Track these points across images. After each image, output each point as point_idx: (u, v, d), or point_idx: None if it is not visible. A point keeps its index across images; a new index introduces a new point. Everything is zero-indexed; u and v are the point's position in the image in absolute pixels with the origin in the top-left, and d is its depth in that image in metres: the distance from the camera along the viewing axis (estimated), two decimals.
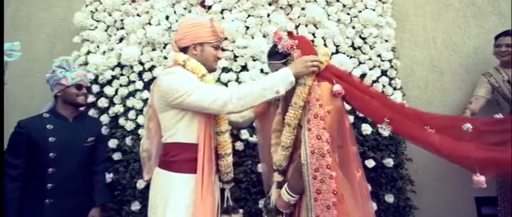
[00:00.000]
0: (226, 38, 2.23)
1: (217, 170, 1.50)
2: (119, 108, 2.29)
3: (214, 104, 1.30)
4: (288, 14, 2.32)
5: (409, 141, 1.50)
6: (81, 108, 1.99)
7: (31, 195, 1.73)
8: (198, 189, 1.31)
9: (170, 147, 1.40)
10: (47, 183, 1.73)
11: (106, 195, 1.99)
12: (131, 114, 2.27)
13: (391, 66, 2.27)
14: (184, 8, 2.40)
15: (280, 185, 1.44)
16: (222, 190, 1.54)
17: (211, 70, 1.51)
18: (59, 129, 1.80)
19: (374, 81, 2.24)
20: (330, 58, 1.47)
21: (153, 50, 2.37)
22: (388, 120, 1.35)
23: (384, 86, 2.24)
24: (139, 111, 2.27)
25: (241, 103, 1.30)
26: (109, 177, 2.16)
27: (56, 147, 1.76)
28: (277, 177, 1.46)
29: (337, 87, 1.35)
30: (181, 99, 1.31)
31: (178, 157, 1.36)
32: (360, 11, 2.32)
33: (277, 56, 1.42)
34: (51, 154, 1.74)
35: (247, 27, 2.30)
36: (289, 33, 1.44)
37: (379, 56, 2.28)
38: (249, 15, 2.33)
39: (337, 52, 2.26)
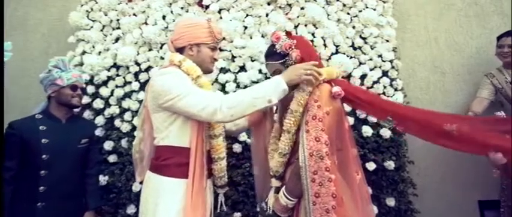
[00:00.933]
0: (224, 38, 2.21)
1: (210, 174, 1.46)
2: (114, 110, 2.25)
3: (204, 111, 1.25)
4: (287, 14, 2.29)
5: (421, 137, 1.43)
6: (76, 110, 1.95)
7: (23, 197, 1.69)
8: (188, 194, 1.28)
9: (162, 150, 1.36)
10: (40, 185, 1.69)
11: (99, 198, 1.95)
12: (127, 116, 2.24)
13: (392, 67, 2.24)
14: (182, 8, 2.38)
15: (278, 190, 1.40)
16: (217, 195, 1.50)
17: (207, 71, 1.47)
18: (52, 130, 1.76)
19: (375, 82, 2.21)
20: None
21: (150, 50, 2.34)
22: (391, 118, 1.32)
23: (384, 87, 2.20)
24: (136, 113, 2.23)
25: (231, 112, 1.25)
26: (104, 179, 2.13)
27: (49, 149, 1.72)
28: (275, 183, 1.42)
29: (337, 89, 1.31)
30: (172, 102, 1.27)
31: (170, 161, 1.33)
32: (360, 11, 2.29)
33: (275, 56, 1.38)
34: (43, 156, 1.71)
35: (246, 27, 2.27)
36: (288, 33, 1.40)
37: (379, 56, 2.24)
38: (247, 15, 2.30)
39: (337, 52, 2.23)
